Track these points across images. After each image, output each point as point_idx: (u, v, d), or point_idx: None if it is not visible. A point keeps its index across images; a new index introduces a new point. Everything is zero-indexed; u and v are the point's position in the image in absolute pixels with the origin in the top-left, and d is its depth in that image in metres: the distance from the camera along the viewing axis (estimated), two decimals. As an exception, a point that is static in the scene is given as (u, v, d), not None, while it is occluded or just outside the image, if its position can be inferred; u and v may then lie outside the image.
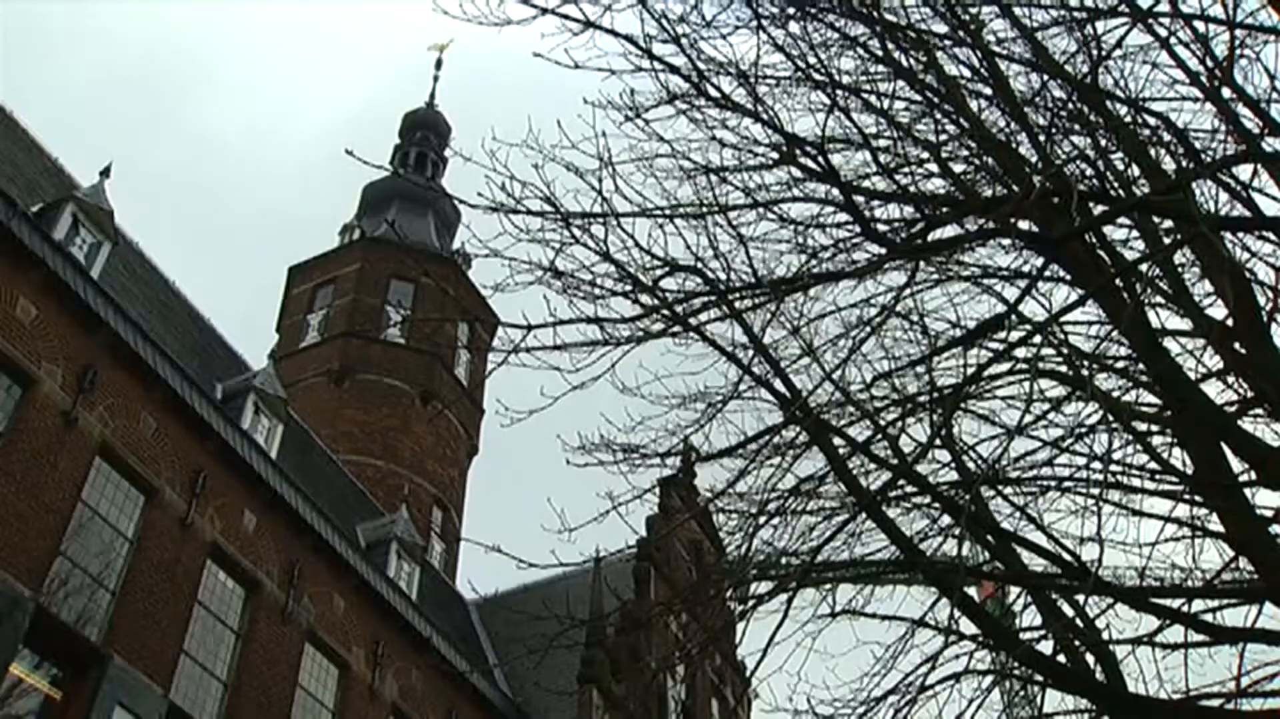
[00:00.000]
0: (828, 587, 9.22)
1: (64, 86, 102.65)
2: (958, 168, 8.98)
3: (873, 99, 8.78)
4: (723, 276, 8.75)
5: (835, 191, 8.31)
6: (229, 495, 21.85)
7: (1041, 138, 8.30)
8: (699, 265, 8.73)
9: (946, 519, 9.23)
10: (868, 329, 8.75)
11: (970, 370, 8.58)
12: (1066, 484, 9.07)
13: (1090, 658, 8.78)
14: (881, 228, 8.43)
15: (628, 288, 8.67)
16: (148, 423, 20.47)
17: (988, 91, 8.80)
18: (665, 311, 8.65)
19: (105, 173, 22.24)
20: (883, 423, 8.90)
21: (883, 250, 8.22)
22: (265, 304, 79.33)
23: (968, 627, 8.88)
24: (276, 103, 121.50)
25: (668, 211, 8.63)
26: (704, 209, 8.68)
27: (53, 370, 18.86)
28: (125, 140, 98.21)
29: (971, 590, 9.51)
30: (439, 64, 56.72)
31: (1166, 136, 8.50)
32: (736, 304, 8.83)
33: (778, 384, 9.17)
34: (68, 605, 18.00)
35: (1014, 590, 10.00)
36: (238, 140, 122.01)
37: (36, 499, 17.90)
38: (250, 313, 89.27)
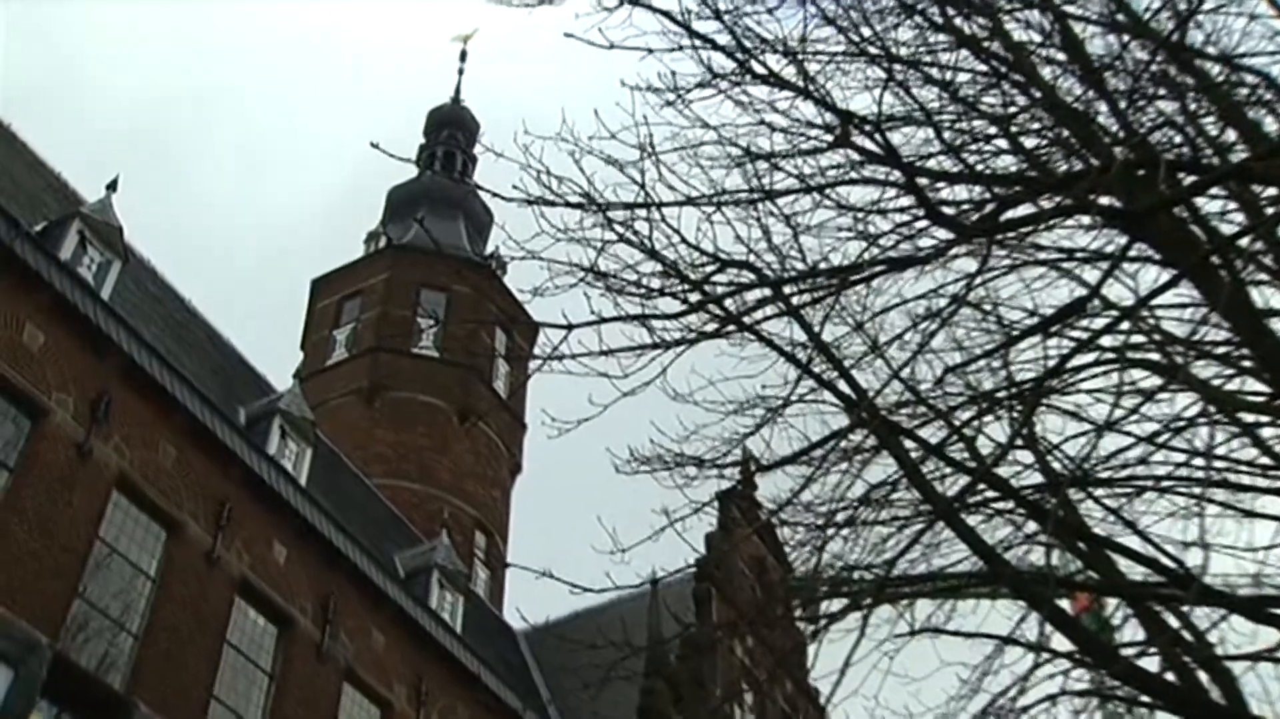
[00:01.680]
0: (905, 602, 9.12)
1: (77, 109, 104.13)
2: (1030, 142, 8.87)
3: (933, 71, 8.70)
4: (777, 270, 8.71)
5: (896, 173, 8.24)
6: (257, 526, 22.03)
7: (1122, 104, 8.18)
8: (751, 259, 8.69)
9: (1032, 525, 9.11)
10: (937, 321, 8.63)
11: (1052, 362, 8.47)
12: (1165, 484, 8.92)
13: (1203, 675, 8.62)
14: (948, 210, 8.35)
15: (675, 286, 8.64)
16: (167, 452, 20.68)
17: (1060, 57, 8.70)
18: (717, 310, 8.62)
19: (112, 186, 22.45)
20: (957, 423, 8.81)
21: (950, 235, 8.14)
22: (288, 320, 79.82)
23: (1061, 643, 8.76)
24: (290, 112, 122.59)
25: (715, 201, 8.60)
26: (754, 197, 8.64)
27: (64, 400, 19.09)
28: (132, 153, 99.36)
29: (1064, 603, 9.35)
30: (463, 56, 57.02)
31: (1267, 95, 8.34)
32: (793, 299, 8.76)
33: (841, 384, 9.07)
34: (87, 651, 18.18)
35: (1111, 602, 9.84)
36: (251, 149, 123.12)
37: (51, 538, 18.12)
38: (272, 330, 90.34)
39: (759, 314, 8.79)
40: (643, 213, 8.53)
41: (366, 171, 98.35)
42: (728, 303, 8.67)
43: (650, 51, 8.41)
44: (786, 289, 8.64)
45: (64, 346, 19.43)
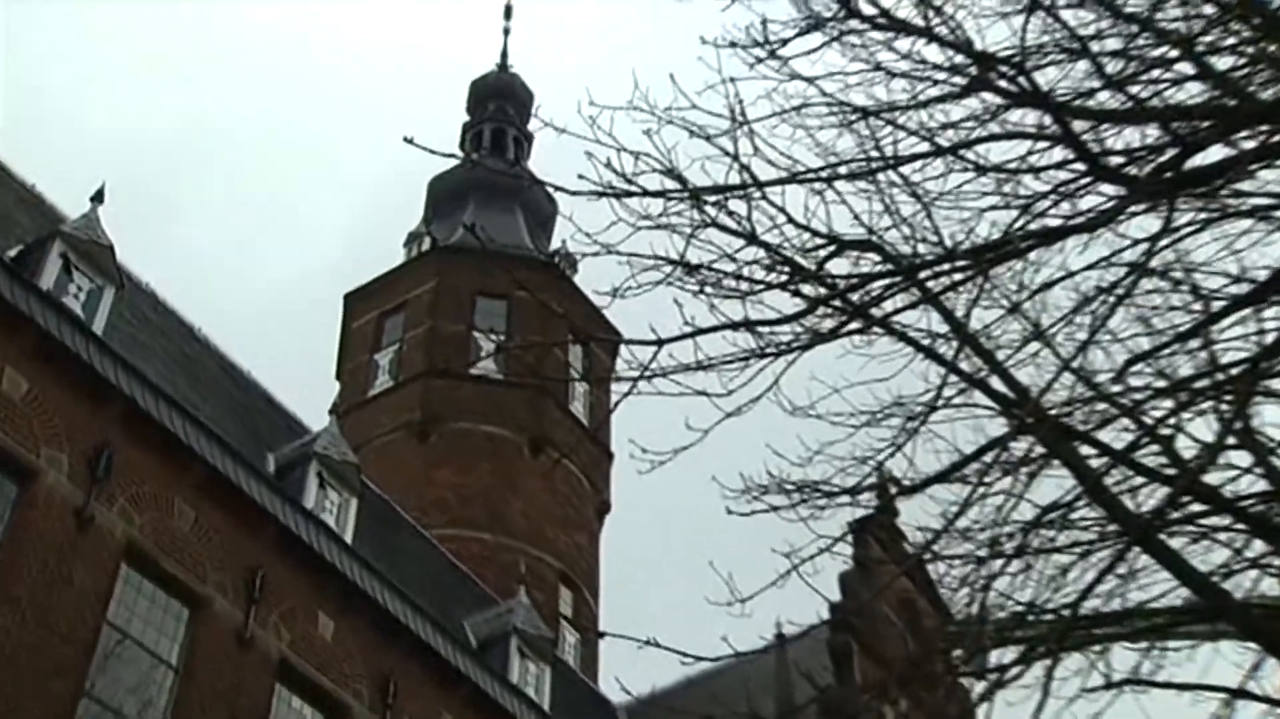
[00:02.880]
0: (1097, 648, 9.04)
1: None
2: (1222, 63, 8.69)
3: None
4: (907, 250, 8.70)
5: (1047, 119, 8.16)
6: (297, 596, 22.28)
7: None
8: (874, 238, 8.70)
9: (1259, 545, 8.95)
10: (1112, 297, 8.53)
11: (1269, 337, 8.32)
12: None
13: None
14: (1116, 160, 8.23)
15: (785, 277, 8.68)
16: (184, 513, 20.95)
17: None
18: (837, 303, 8.64)
19: (98, 197, 22.65)
20: (1149, 421, 8.68)
21: (1122, 191, 8.03)
22: (319, 346, 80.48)
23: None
24: (303, 98, 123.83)
25: (826, 173, 8.58)
26: (873, 164, 8.63)
27: (56, 457, 19.38)
28: (116, 161, 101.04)
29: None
30: (508, 12, 57.13)
31: None
32: (930, 283, 8.77)
33: (996, 382, 9.04)
34: (104, 760, 18.41)
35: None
36: (261, 145, 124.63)
37: (50, 627, 18.32)
38: (301, 359, 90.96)
39: (889, 304, 8.81)
40: (738, 192, 8.54)
41: (401, 160, 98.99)
42: (850, 294, 8.66)
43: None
44: (921, 272, 8.62)
45: (52, 393, 19.71)
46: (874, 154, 8.67)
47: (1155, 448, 8.83)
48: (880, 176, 8.67)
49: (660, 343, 8.44)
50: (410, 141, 8.81)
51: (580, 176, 8.61)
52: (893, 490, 9.38)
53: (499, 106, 53.70)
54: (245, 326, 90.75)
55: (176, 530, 20.74)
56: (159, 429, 20.82)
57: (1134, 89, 8.44)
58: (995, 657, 9.04)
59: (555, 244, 47.89)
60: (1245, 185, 8.91)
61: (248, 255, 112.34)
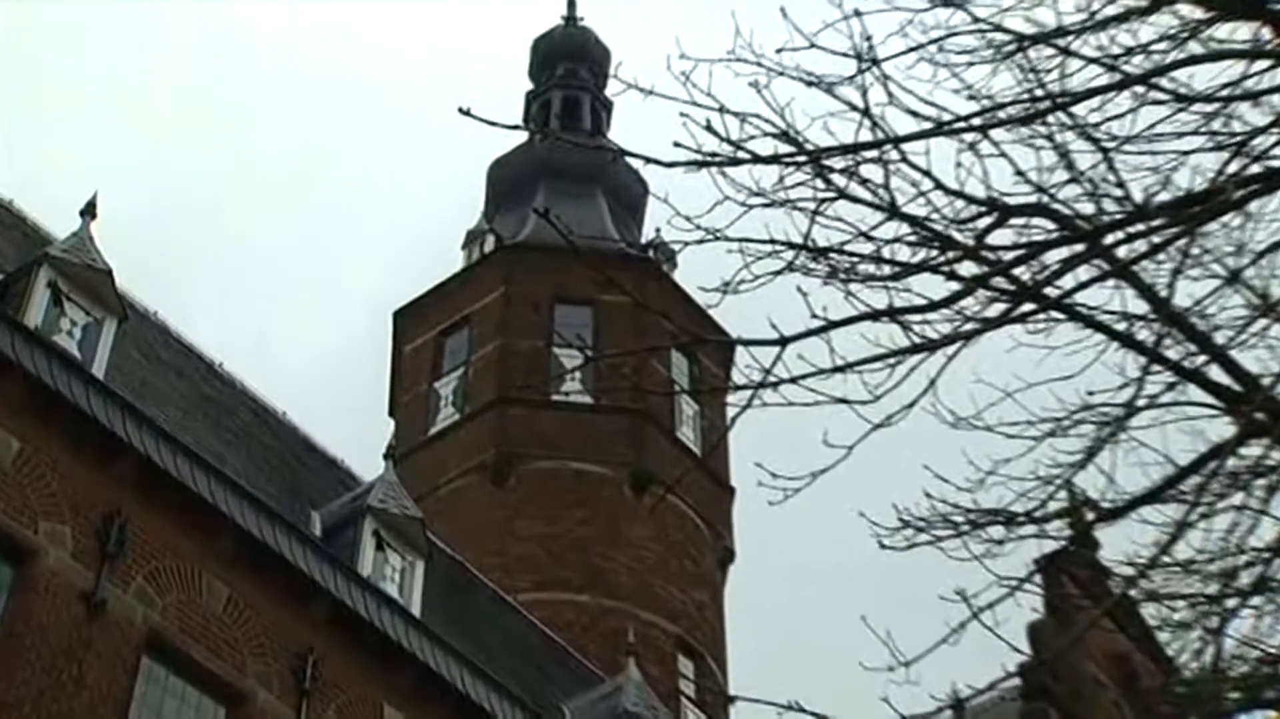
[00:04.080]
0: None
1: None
2: None
3: None
4: (1089, 211, 8.61)
5: (1266, 33, 7.99)
6: (357, 685, 22.35)
7: None
8: (1045, 199, 8.63)
9: None
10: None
11: None
12: None
13: None
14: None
15: (935, 254, 8.62)
16: (215, 590, 21.03)
17: None
18: (1003, 282, 8.52)
19: (89, 211, 22.80)
20: None
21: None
22: (366, 376, 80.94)
23: None
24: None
25: (980, 121, 8.51)
26: (1039, 106, 8.56)
27: (57, 532, 19.47)
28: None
29: None
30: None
31: None
32: (1118, 251, 8.66)
33: (1215, 372, 8.90)
34: None
35: None
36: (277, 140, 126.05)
37: (62, 736, 18.45)
38: (344, 394, 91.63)
39: (1068, 280, 8.73)
40: (871, 153, 8.46)
41: (456, 142, 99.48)
42: (1019, 270, 8.59)
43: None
44: (1108, 238, 8.50)
45: (47, 453, 19.83)
46: (1039, 93, 8.61)
47: None
48: (1049, 120, 8.62)
49: (784, 341, 8.37)
50: (467, 113, 8.70)
51: (676, 144, 8.56)
52: (1089, 515, 9.28)
53: (569, 69, 53.96)
54: (277, 362, 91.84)
55: (207, 612, 20.83)
56: (179, 489, 20.90)
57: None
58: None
59: (647, 233, 47.92)
60: None
61: (275, 276, 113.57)
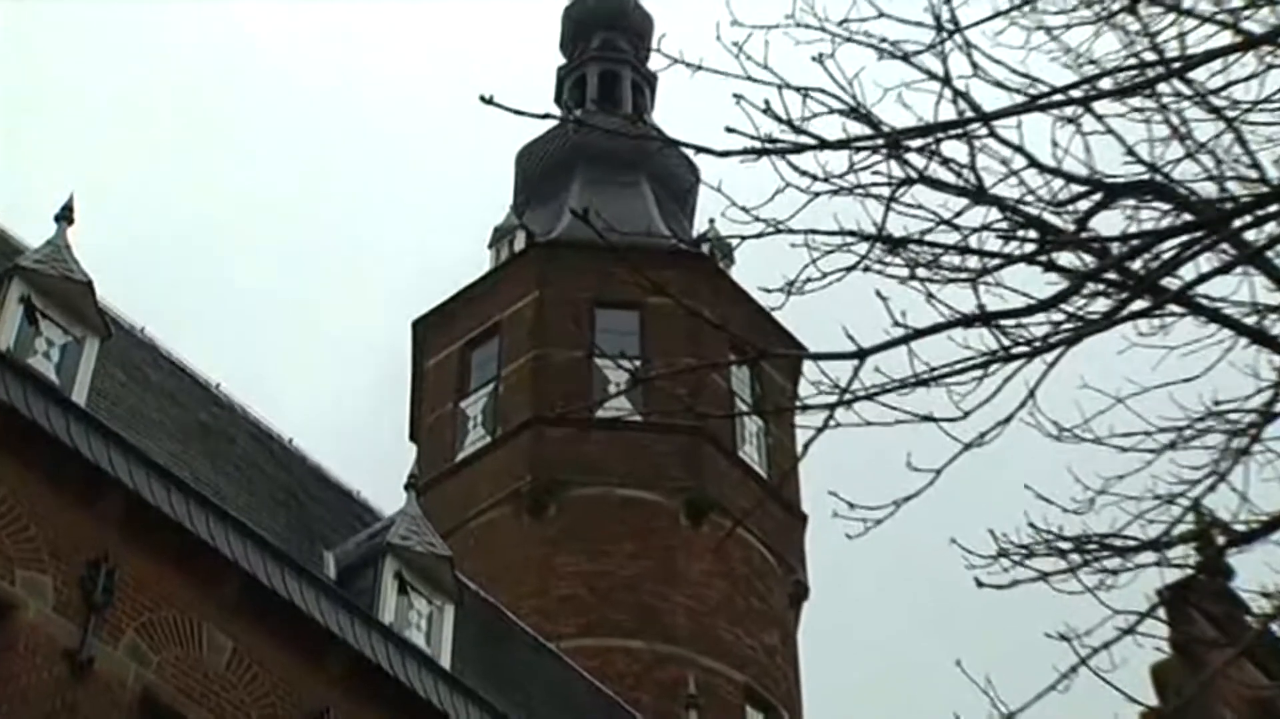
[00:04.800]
0: None
1: None
2: None
3: None
4: (1209, 191, 8.54)
5: None
6: (381, 747, 22.30)
7: None
8: (1159, 178, 8.53)
9: None
10: None
11: None
12: None
13: None
14: None
15: (1030, 245, 8.54)
16: (216, 644, 21.04)
17: None
18: (1113, 276, 8.41)
19: (65, 215, 22.80)
20: None
21: None
22: (383, 394, 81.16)
23: None
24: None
25: (1081, 92, 8.44)
26: (1150, 72, 8.49)
27: (36, 582, 19.50)
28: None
29: None
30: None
31: None
32: (1247, 236, 8.52)
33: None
34: None
35: None
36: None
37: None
38: (358, 416, 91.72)
39: (1188, 271, 8.60)
40: (955, 129, 8.46)
41: (475, 124, 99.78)
42: (1130, 260, 8.48)
43: None
44: (1235, 221, 8.42)
45: (25, 492, 19.88)
46: (1151, 56, 8.51)
47: None
48: (1162, 88, 8.56)
49: (862, 354, 8.29)
50: (490, 102, 8.61)
51: (729, 130, 8.46)
52: (1219, 539, 9.14)
53: (606, 40, 53.98)
54: (281, 382, 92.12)
55: (208, 669, 20.84)
56: (174, 530, 20.93)
57: None
58: None
59: (699, 226, 47.84)
60: None
61: (277, 286, 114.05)
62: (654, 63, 52.58)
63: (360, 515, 27.62)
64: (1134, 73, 8.56)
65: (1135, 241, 8.43)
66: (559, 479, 41.24)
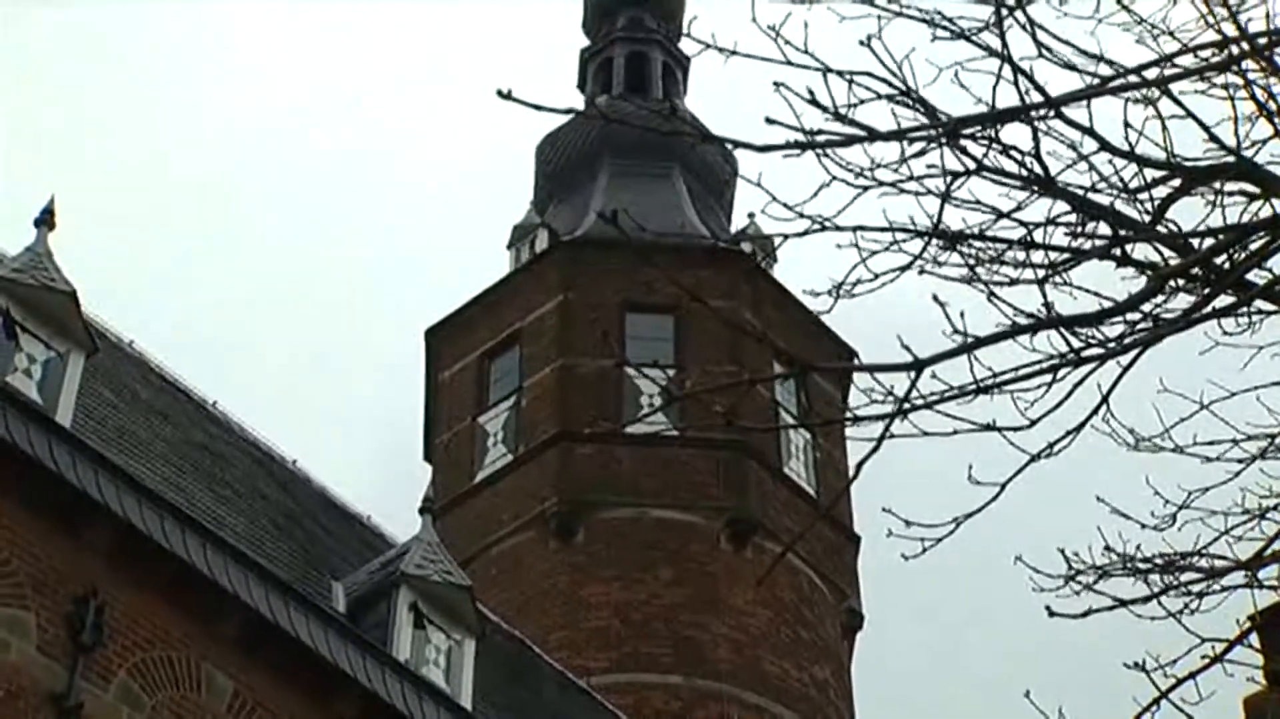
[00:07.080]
0: None
1: None
2: None
3: None
4: None
5: None
6: (396, 795, 22.30)
7: None
8: (1244, 161, 8.47)
9: None
10: None
11: None
12: None
13: None
14: None
15: (1102, 239, 8.51)
16: (216, 685, 21.02)
17: None
18: (1196, 273, 8.36)
19: (45, 220, 22.78)
20: None
21: None
22: (395, 409, 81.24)
23: None
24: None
25: (1155, 72, 8.40)
26: (1232, 49, 8.45)
27: (20, 620, 19.46)
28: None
29: None
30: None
31: None
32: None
33: None
34: None
35: None
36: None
37: None
38: (368, 434, 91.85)
39: (1276, 264, 8.60)
40: (1018, 116, 8.42)
41: (491, 113, 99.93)
42: (1214, 255, 8.45)
43: None
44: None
45: (6, 523, 19.83)
46: (1232, 33, 8.46)
47: None
48: (1245, 65, 8.49)
49: (919, 365, 8.26)
50: (507, 96, 8.56)
51: (769, 121, 8.41)
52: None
53: (633, 18, 53.92)
54: (282, 399, 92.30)
55: (207, 712, 20.82)
56: (168, 560, 20.86)
57: None
58: None
59: (738, 222, 47.78)
60: None
61: (276, 289, 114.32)
62: (687, 45, 52.68)
63: (371, 543, 27.64)
64: (1214, 49, 8.54)
65: (1218, 234, 8.39)
66: (588, 500, 41.11)
